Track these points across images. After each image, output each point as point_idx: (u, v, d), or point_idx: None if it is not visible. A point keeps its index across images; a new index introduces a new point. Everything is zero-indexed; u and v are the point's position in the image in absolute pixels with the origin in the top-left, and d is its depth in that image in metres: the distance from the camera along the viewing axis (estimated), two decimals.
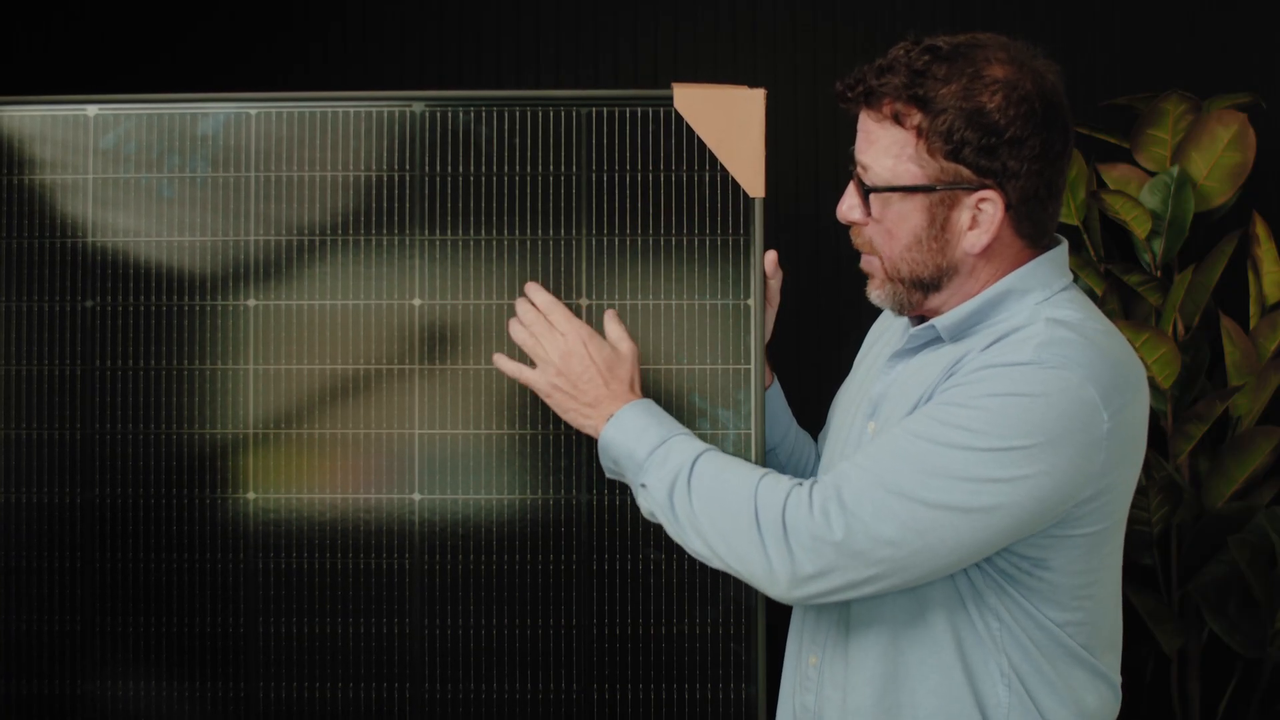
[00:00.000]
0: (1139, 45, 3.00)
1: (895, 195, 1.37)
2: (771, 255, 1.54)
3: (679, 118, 1.54)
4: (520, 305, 1.51)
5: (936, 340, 1.42)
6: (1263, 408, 2.65)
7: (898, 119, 1.35)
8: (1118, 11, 3.01)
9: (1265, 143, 2.74)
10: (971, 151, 1.33)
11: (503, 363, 1.51)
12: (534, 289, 1.51)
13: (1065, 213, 2.69)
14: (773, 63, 3.06)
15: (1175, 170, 2.63)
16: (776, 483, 1.35)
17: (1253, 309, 2.71)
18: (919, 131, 1.34)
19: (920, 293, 1.41)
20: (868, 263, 1.44)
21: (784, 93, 3.02)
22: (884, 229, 1.39)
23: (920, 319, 1.47)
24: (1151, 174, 2.69)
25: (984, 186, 1.34)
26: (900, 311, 1.45)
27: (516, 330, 1.50)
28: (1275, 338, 2.64)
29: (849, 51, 3.04)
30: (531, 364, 1.50)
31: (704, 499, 1.36)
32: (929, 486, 1.29)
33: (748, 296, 1.54)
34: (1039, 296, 1.38)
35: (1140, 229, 2.63)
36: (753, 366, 1.53)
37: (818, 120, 3.02)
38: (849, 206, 1.42)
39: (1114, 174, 2.72)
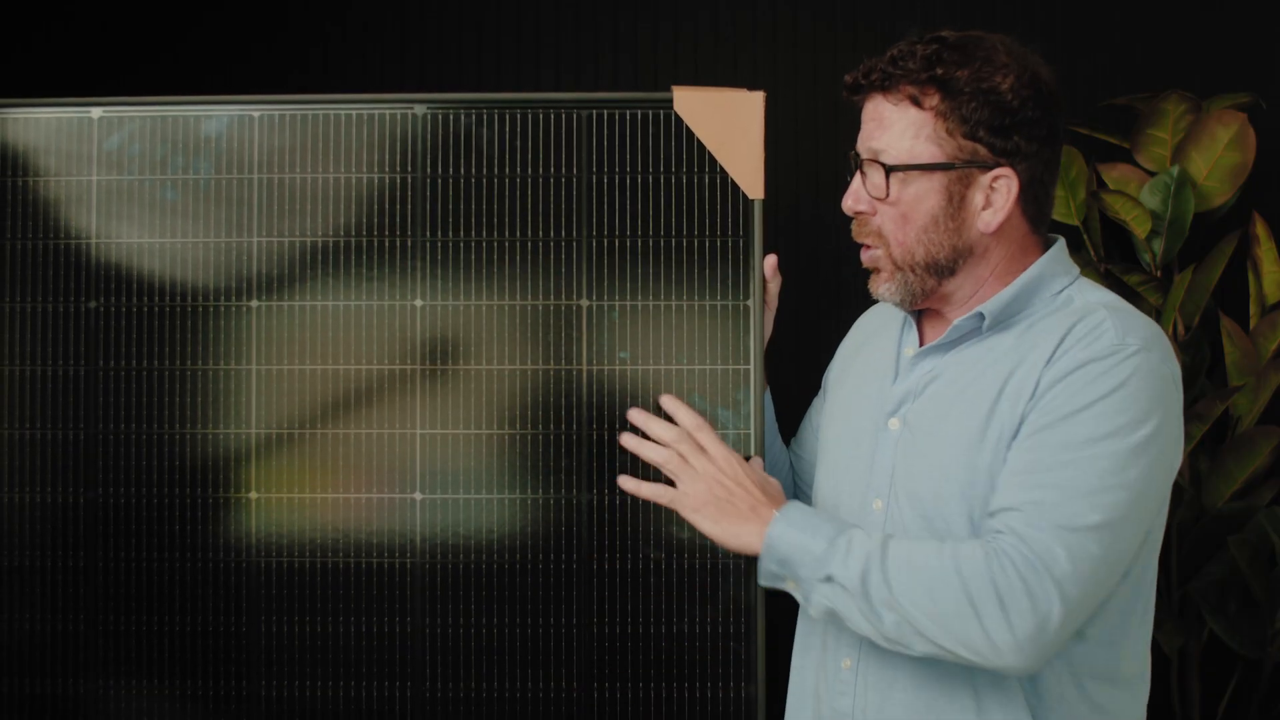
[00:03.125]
0: (1139, 45, 3.01)
1: (914, 175, 1.39)
2: (771, 259, 1.55)
3: (679, 120, 1.55)
4: (656, 425, 1.48)
5: (974, 333, 1.42)
6: (1263, 408, 2.65)
7: (915, 101, 1.39)
8: (1118, 11, 3.01)
9: (1265, 143, 2.74)
10: (987, 131, 1.37)
11: (632, 485, 1.50)
12: (675, 406, 1.50)
13: (1065, 213, 2.70)
14: (773, 64, 3.06)
15: (1175, 170, 2.64)
16: (972, 551, 1.32)
17: (1253, 309, 2.71)
18: (937, 112, 1.38)
19: (934, 278, 1.42)
20: (871, 258, 1.44)
21: (784, 95, 3.02)
22: (899, 212, 1.40)
23: (920, 313, 1.48)
24: (1151, 174, 2.69)
25: (999, 164, 1.38)
26: (910, 303, 1.45)
27: (653, 451, 1.48)
28: (1275, 338, 2.64)
29: (848, 52, 3.04)
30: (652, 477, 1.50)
31: (904, 584, 1.33)
32: (1102, 506, 1.30)
33: (747, 298, 1.54)
34: (1065, 280, 1.43)
35: (1140, 229, 2.63)
36: (753, 367, 1.54)
37: (817, 122, 3.03)
38: (855, 198, 1.43)
39: (1114, 174, 2.72)
